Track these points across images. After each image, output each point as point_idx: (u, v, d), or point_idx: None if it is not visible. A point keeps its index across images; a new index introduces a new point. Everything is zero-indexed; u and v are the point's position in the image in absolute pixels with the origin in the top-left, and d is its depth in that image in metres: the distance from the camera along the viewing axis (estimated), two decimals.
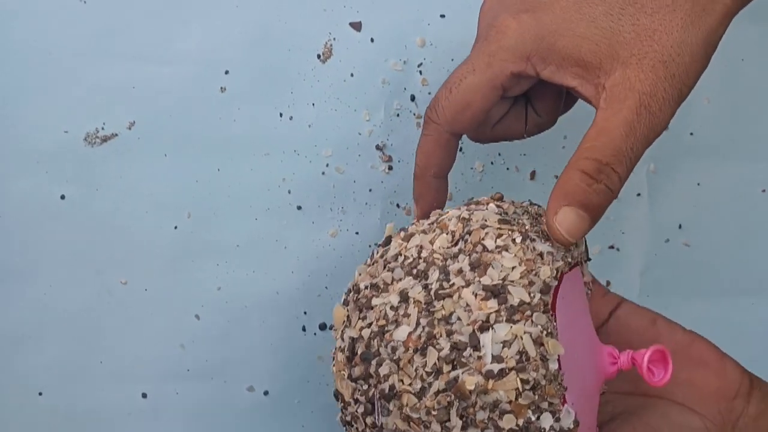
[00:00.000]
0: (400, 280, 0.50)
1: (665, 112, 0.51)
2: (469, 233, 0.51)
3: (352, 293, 0.53)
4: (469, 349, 0.47)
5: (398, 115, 0.63)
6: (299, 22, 0.62)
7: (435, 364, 0.47)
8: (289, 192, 0.63)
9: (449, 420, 0.47)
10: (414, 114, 0.64)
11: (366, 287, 0.52)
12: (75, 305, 0.61)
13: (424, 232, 0.52)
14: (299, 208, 0.63)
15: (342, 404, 0.52)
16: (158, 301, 0.61)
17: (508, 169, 0.66)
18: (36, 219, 0.60)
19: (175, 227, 0.61)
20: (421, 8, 0.63)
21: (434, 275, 0.49)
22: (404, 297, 0.49)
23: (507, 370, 0.47)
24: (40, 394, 0.61)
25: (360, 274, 0.53)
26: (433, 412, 0.47)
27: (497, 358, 0.47)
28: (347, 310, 0.52)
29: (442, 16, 0.64)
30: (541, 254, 0.50)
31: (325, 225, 0.63)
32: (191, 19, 0.61)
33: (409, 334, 0.48)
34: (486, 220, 0.51)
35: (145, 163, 0.61)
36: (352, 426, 0.52)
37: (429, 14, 0.63)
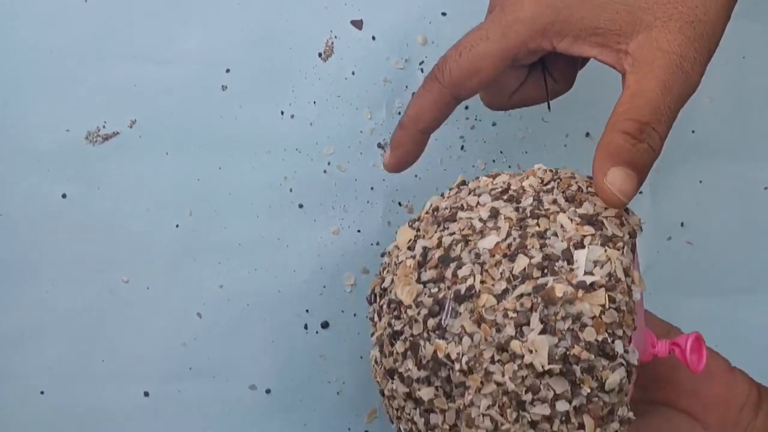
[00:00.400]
0: (486, 204, 0.51)
1: (697, 70, 0.51)
2: (560, 179, 0.52)
3: (429, 211, 0.52)
4: (561, 261, 0.47)
5: (400, 113, 0.63)
6: (300, 20, 0.62)
7: (524, 269, 0.47)
8: (291, 190, 0.62)
9: (527, 324, 0.46)
10: None
11: (446, 207, 0.51)
12: (76, 304, 0.60)
13: (509, 175, 0.53)
14: (301, 206, 0.63)
15: (393, 313, 0.50)
16: (160, 299, 0.61)
17: (509, 167, 0.65)
18: (37, 218, 0.60)
19: (177, 225, 0.61)
20: (423, 6, 0.63)
21: (527, 201, 0.50)
22: (494, 213, 0.50)
23: (597, 286, 0.47)
24: (42, 393, 0.60)
25: (433, 204, 0.53)
26: (512, 314, 0.46)
27: (589, 274, 0.47)
28: (416, 229, 0.51)
29: (444, 14, 0.64)
30: (626, 209, 0.51)
31: (327, 223, 0.63)
32: (192, 18, 0.61)
33: (497, 243, 0.48)
34: (573, 175, 0.52)
35: (146, 161, 0.61)
36: (396, 340, 0.49)
37: (430, 12, 0.63)
